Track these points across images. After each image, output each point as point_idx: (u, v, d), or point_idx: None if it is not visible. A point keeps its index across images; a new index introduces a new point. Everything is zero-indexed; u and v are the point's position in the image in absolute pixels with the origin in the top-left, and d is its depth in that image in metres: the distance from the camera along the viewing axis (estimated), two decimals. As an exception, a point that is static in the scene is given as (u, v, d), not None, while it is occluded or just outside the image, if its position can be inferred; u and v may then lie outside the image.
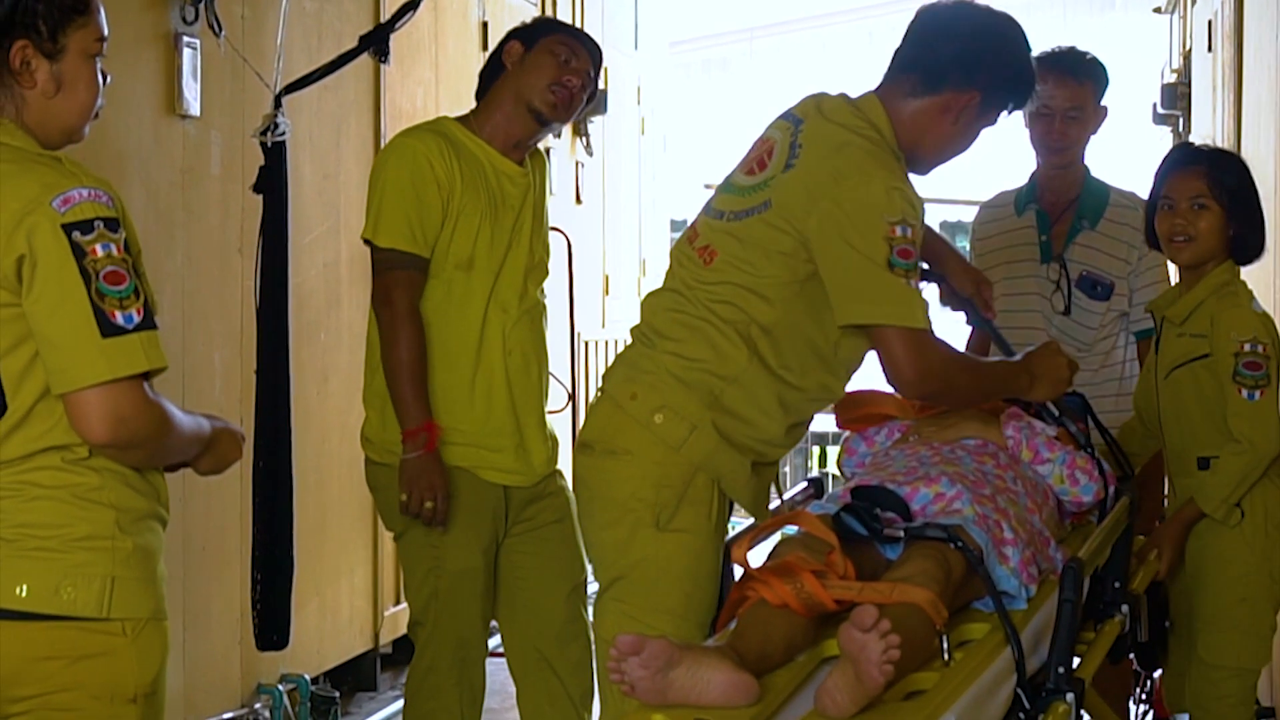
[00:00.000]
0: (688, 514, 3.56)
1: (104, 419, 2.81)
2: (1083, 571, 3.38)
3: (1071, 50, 5.03)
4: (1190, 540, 4.51)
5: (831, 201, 3.44)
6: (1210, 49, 8.81)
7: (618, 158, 10.63)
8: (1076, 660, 3.52)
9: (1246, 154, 7.34)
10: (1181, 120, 10.46)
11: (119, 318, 2.80)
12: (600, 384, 3.79)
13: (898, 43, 3.74)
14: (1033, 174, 5.09)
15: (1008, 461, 3.89)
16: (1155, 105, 10.66)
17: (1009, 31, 3.71)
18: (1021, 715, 3.19)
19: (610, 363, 3.89)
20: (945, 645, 3.13)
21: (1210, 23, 8.81)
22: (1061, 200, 5.01)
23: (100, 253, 2.82)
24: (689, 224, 3.79)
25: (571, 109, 4.46)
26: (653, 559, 3.56)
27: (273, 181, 4.92)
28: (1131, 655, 4.43)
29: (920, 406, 4.27)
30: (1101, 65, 5.02)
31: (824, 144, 3.52)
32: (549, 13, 9.08)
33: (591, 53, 4.43)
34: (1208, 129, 8.95)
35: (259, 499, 4.96)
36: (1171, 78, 10.82)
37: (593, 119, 9.70)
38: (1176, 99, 10.33)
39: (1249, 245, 4.51)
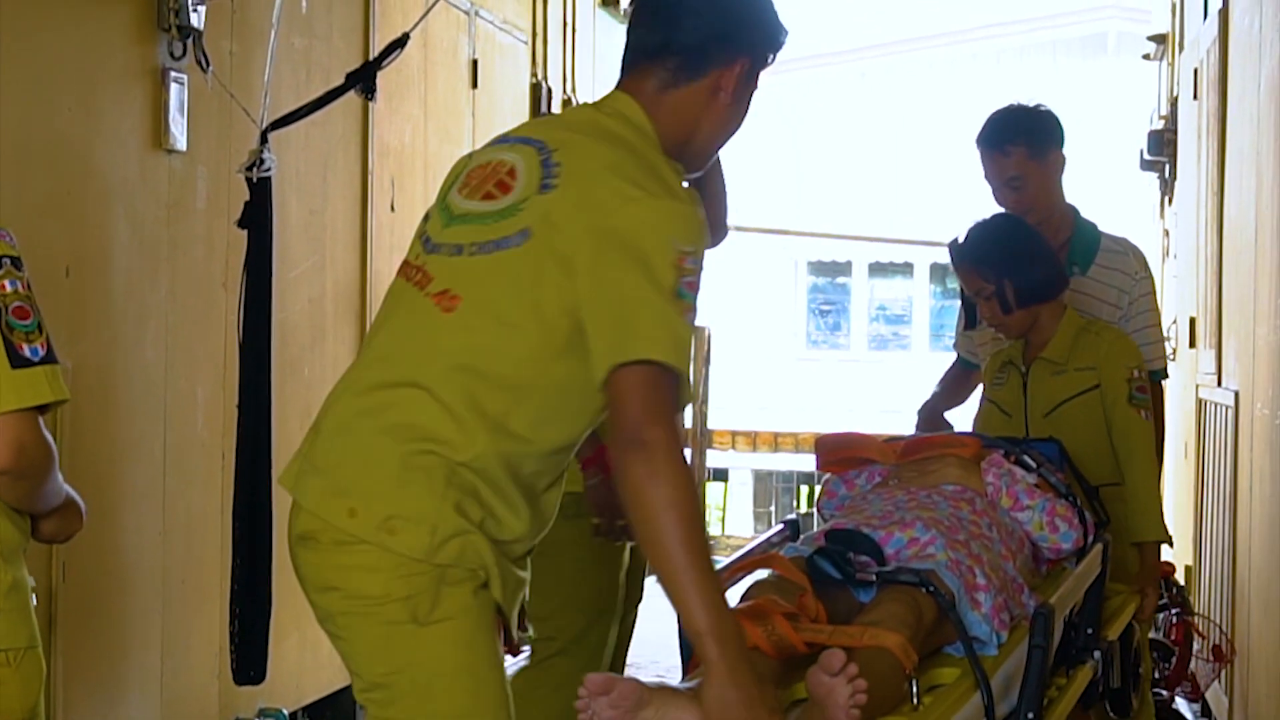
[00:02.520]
0: (451, 598, 2.85)
1: (8, 445, 2.92)
2: (1053, 618, 3.39)
3: (994, 118, 5.04)
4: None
5: (613, 223, 2.82)
6: (1196, 97, 8.86)
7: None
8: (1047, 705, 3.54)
9: (1229, 201, 7.39)
10: (1167, 167, 10.51)
11: (26, 350, 2.95)
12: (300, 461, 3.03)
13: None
14: None
15: (984, 508, 3.91)
16: (1142, 151, 10.72)
17: None
18: None
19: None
20: (915, 689, 3.14)
21: (1196, 71, 8.85)
22: (1051, 246, 5.05)
23: (8, 288, 2.96)
24: (414, 248, 3.08)
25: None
26: (419, 662, 2.87)
27: (258, 217, 4.94)
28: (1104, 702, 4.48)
29: (902, 452, 4.29)
30: (1036, 121, 5.02)
31: (592, 159, 2.92)
32: (539, 50, 9.13)
33: None
34: (1192, 176, 8.99)
35: (239, 533, 4.97)
36: (1159, 124, 10.87)
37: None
38: (1163, 145, 10.38)
39: (1048, 283, 4.75)
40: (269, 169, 4.93)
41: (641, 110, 3.04)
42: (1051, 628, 3.38)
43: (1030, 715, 3.30)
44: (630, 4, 3.19)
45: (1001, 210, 4.98)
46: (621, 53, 3.13)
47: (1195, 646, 6.68)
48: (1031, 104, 5.08)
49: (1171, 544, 4.80)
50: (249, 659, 4.97)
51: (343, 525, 2.84)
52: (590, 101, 3.23)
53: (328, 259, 6.48)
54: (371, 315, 6.81)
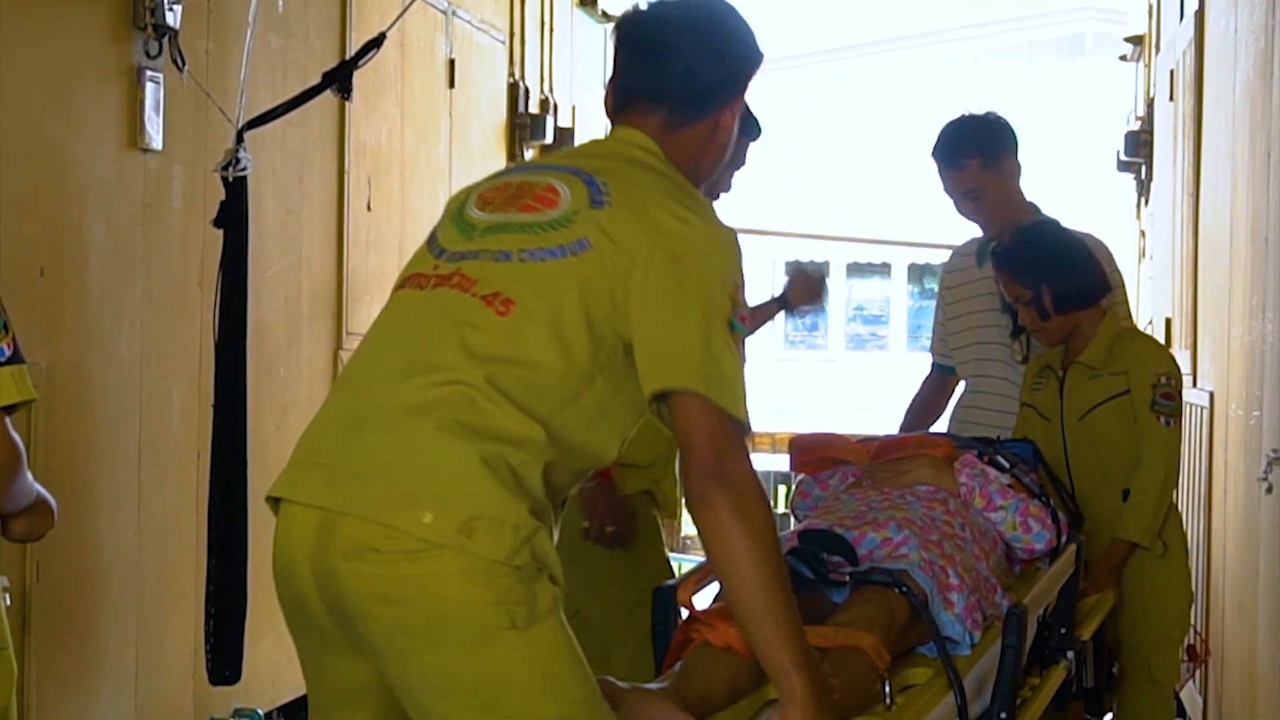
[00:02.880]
0: (543, 596, 2.71)
1: None
2: (1026, 617, 3.41)
3: (945, 133, 5.13)
4: (1129, 577, 4.83)
5: (673, 246, 2.79)
6: (1172, 98, 8.88)
7: (584, 196, 10.63)
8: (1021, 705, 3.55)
9: (1204, 203, 7.41)
10: (1144, 168, 10.53)
11: None
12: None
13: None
14: None
15: (957, 508, 3.92)
16: (1118, 152, 10.73)
17: (733, 16, 3.14)
18: None
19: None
20: (888, 689, 3.16)
21: (1172, 72, 8.87)
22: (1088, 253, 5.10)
23: None
24: (403, 280, 2.96)
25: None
26: (527, 662, 2.69)
27: (233, 216, 4.92)
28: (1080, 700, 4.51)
29: (875, 452, 4.30)
30: (987, 132, 5.11)
31: (639, 184, 2.90)
32: (516, 50, 9.13)
33: None
34: (1168, 177, 9.01)
35: (214, 533, 4.96)
36: (1135, 125, 10.89)
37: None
38: (1139, 146, 10.39)
39: (1086, 290, 4.88)
40: (245, 168, 4.92)
41: (656, 145, 3.02)
42: (1024, 627, 3.39)
43: (1003, 715, 3.32)
44: (620, 36, 3.11)
45: (1047, 219, 5.08)
46: (615, 81, 3.10)
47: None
48: (981, 113, 5.15)
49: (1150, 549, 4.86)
50: (224, 659, 4.96)
51: (418, 532, 2.64)
52: (598, 138, 3.19)
53: (304, 258, 6.48)
54: (349, 314, 6.81)
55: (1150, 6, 10.59)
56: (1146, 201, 10.62)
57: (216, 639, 4.95)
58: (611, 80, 3.11)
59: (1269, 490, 4.55)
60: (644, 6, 3.10)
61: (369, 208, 7.07)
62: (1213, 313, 7.09)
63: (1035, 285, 4.81)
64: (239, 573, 4.93)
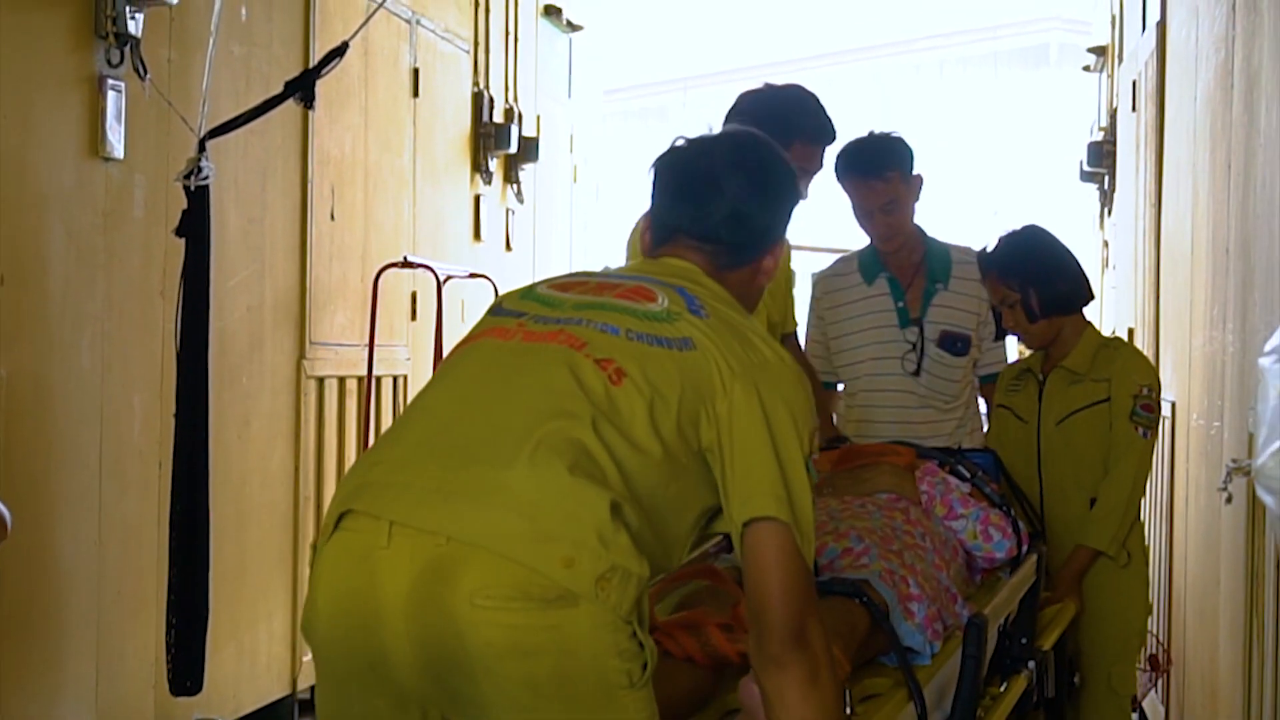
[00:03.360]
0: (650, 655, 2.61)
1: None
2: (986, 627, 3.42)
3: (864, 148, 5.09)
4: (1092, 586, 4.87)
5: (767, 377, 2.73)
6: (1134, 109, 8.92)
7: (549, 205, 10.67)
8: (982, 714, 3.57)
9: (1166, 213, 7.45)
10: (1107, 178, 10.58)
11: None
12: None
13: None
14: (871, 243, 5.27)
15: (918, 517, 3.93)
16: (1081, 163, 10.78)
17: (776, 156, 3.06)
18: None
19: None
20: (849, 699, 3.16)
21: (1135, 83, 8.91)
22: (908, 265, 5.24)
23: None
24: (472, 336, 2.87)
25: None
26: None
27: (196, 225, 4.92)
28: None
29: (836, 460, 4.31)
30: (896, 147, 5.10)
31: (725, 306, 2.86)
32: (481, 60, 9.13)
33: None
34: (1131, 187, 9.05)
35: (176, 542, 4.95)
36: (1098, 136, 10.94)
37: (524, 166, 9.75)
38: (1102, 157, 10.45)
39: (1072, 295, 4.96)
40: (207, 177, 4.91)
41: (714, 281, 2.95)
42: (984, 637, 3.41)
43: None
44: (662, 173, 3.03)
45: (1031, 225, 5.12)
46: (656, 218, 3.03)
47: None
48: (882, 131, 5.19)
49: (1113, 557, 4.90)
50: (185, 669, 4.95)
51: (559, 578, 2.46)
52: (658, 260, 3.02)
53: (267, 267, 6.47)
54: (312, 323, 6.80)
55: (1113, 18, 10.65)
56: (1109, 211, 10.67)
57: (178, 648, 4.94)
58: (651, 214, 3.04)
59: (1229, 500, 4.57)
60: (685, 143, 3.04)
61: (332, 217, 7.06)
62: (1174, 322, 7.12)
63: (1024, 288, 4.87)
64: (201, 582, 4.93)
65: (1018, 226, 5.11)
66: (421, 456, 2.61)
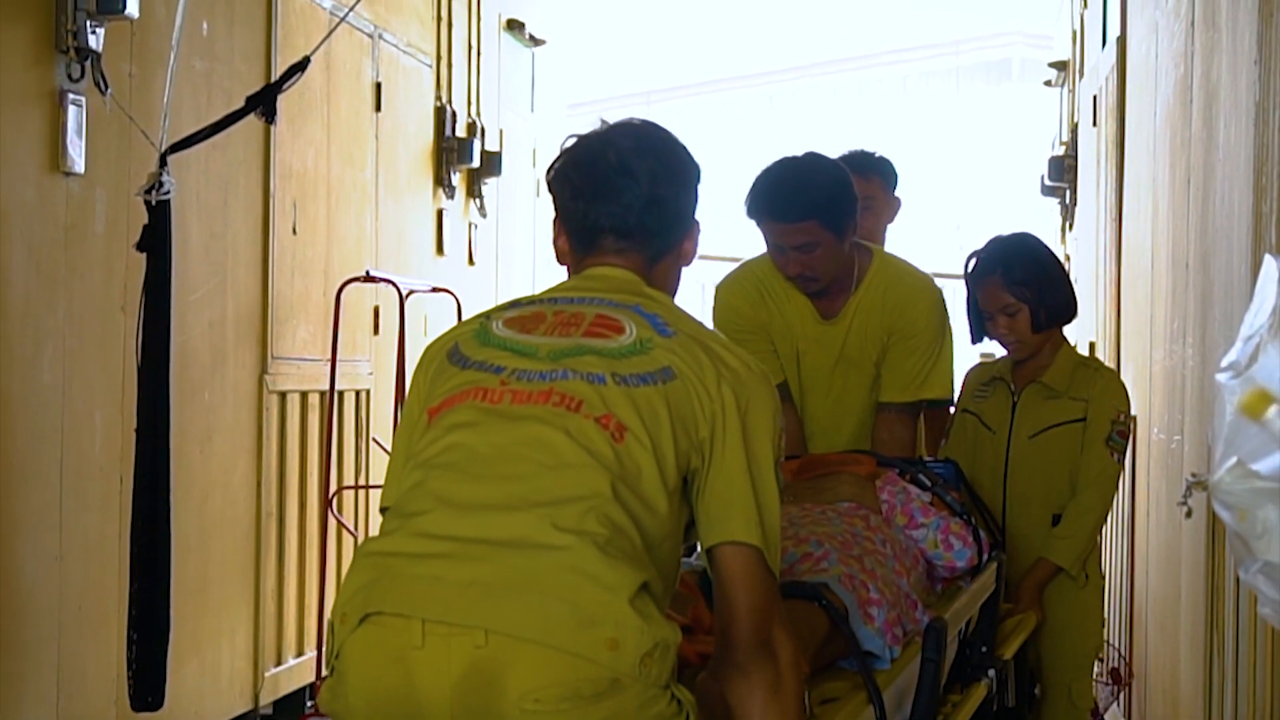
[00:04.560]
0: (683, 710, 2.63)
1: None
2: (946, 631, 3.45)
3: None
4: (1052, 601, 4.91)
5: (739, 391, 2.73)
6: (1095, 123, 8.98)
7: (512, 219, 10.69)
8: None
9: (1127, 227, 7.51)
10: (1068, 192, 10.64)
11: None
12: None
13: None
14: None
15: (878, 524, 3.96)
16: (1043, 177, 10.85)
17: (672, 137, 3.04)
18: None
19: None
20: (807, 701, 3.18)
21: (1095, 98, 8.98)
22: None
23: None
24: (455, 396, 2.74)
25: (809, 281, 4.72)
26: None
27: (157, 240, 4.92)
28: None
29: (797, 470, 4.34)
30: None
31: (684, 317, 2.86)
32: (443, 74, 9.15)
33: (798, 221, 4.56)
34: (1092, 202, 9.11)
35: (137, 557, 4.95)
36: (1060, 150, 11.00)
37: (487, 180, 9.77)
38: (1064, 171, 10.51)
39: (1064, 311, 4.97)
40: (168, 192, 4.92)
41: (651, 287, 2.94)
42: (944, 641, 3.44)
43: None
44: (568, 175, 2.97)
45: (1026, 233, 5.13)
46: (569, 224, 2.98)
47: (1095, 670, 6.78)
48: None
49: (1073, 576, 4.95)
50: (147, 685, 4.95)
51: (607, 663, 2.43)
52: (584, 274, 2.97)
53: (229, 282, 6.47)
54: (274, 338, 6.81)
55: (1074, 33, 10.72)
56: (1071, 226, 10.73)
57: (139, 664, 4.93)
58: (561, 223, 3.00)
59: (1188, 515, 4.61)
60: (579, 142, 2.99)
61: (294, 231, 7.07)
62: (1135, 337, 7.18)
63: (1036, 297, 4.87)
64: (162, 597, 4.92)
65: (1008, 232, 5.10)
66: (444, 547, 2.53)
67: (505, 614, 2.42)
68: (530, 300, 2.94)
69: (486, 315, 2.91)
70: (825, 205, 4.54)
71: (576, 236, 2.97)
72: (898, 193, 5.59)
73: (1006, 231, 5.15)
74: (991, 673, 4.07)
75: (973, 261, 4.98)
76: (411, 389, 2.90)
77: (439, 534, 2.54)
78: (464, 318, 8.04)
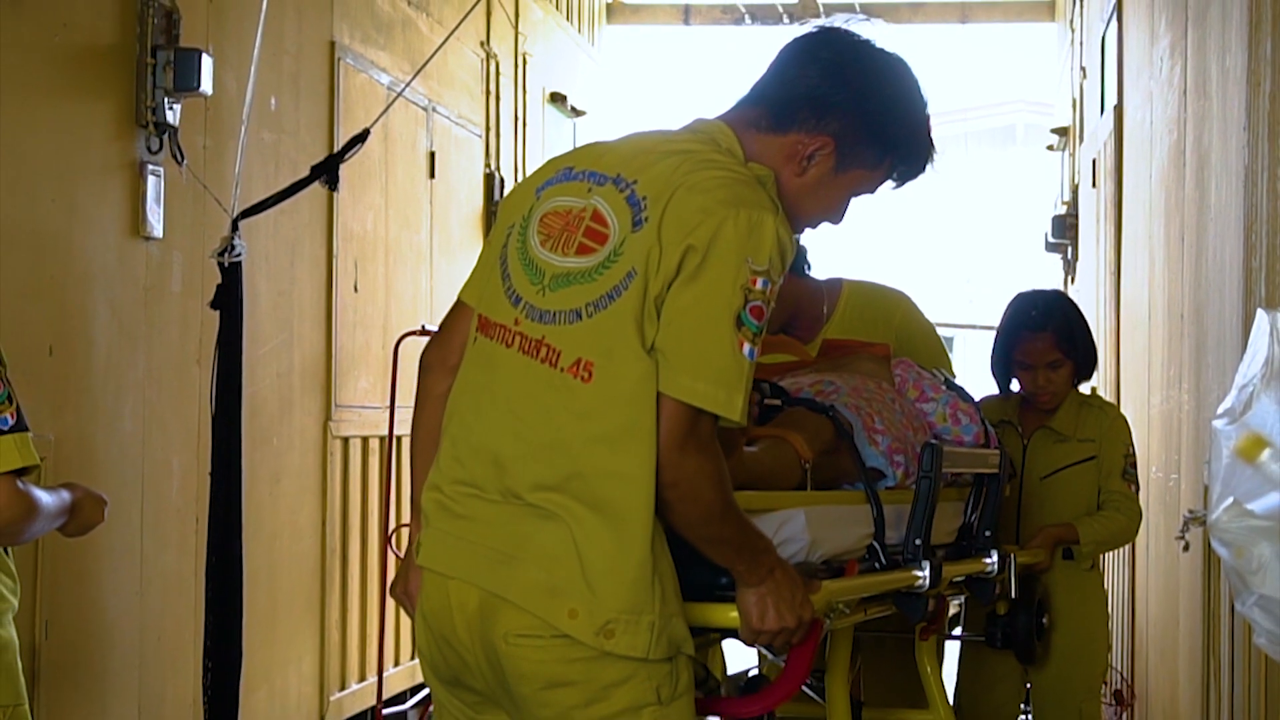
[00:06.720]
0: (683, 675, 2.71)
1: None
2: (942, 450, 3.40)
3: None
4: (1063, 586, 4.81)
5: (691, 241, 2.58)
6: (1094, 185, 8.96)
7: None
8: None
9: (1125, 281, 7.48)
10: (1070, 249, 10.61)
11: None
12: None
13: None
14: None
15: (890, 391, 3.88)
16: (1046, 235, 10.82)
17: (887, 74, 2.87)
18: (877, 566, 3.25)
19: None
20: (806, 470, 3.18)
21: (1094, 161, 8.96)
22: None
23: None
24: (489, 322, 2.81)
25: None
26: None
27: (229, 299, 4.93)
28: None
29: (820, 353, 4.30)
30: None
31: (672, 183, 2.65)
32: (492, 143, 9.17)
33: None
34: (1092, 257, 9.07)
35: (211, 592, 4.95)
36: (1061, 209, 10.98)
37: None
38: (1065, 229, 10.49)
39: (1095, 364, 4.97)
40: (239, 254, 4.93)
41: (734, 135, 2.77)
42: (940, 460, 3.38)
43: (918, 542, 3.33)
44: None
45: (1058, 290, 5.11)
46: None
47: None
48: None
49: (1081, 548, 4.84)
50: (221, 710, 4.94)
51: (563, 628, 2.58)
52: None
53: (295, 336, 6.48)
54: (337, 388, 6.81)
55: (1074, 101, 10.70)
56: (1073, 279, 10.69)
57: (214, 691, 4.93)
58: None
59: (1185, 548, 4.57)
60: (832, 30, 2.87)
61: (356, 289, 7.09)
62: (1134, 382, 7.14)
63: (1083, 353, 4.83)
64: (235, 628, 4.92)
65: (1046, 287, 5.07)
66: (466, 508, 2.74)
67: (495, 579, 2.65)
68: (567, 173, 2.81)
69: (532, 196, 2.84)
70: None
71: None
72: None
73: (1027, 287, 5.10)
74: (994, 554, 3.98)
75: (1012, 316, 4.87)
76: (503, 209, 2.95)
77: (465, 480, 2.74)
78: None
